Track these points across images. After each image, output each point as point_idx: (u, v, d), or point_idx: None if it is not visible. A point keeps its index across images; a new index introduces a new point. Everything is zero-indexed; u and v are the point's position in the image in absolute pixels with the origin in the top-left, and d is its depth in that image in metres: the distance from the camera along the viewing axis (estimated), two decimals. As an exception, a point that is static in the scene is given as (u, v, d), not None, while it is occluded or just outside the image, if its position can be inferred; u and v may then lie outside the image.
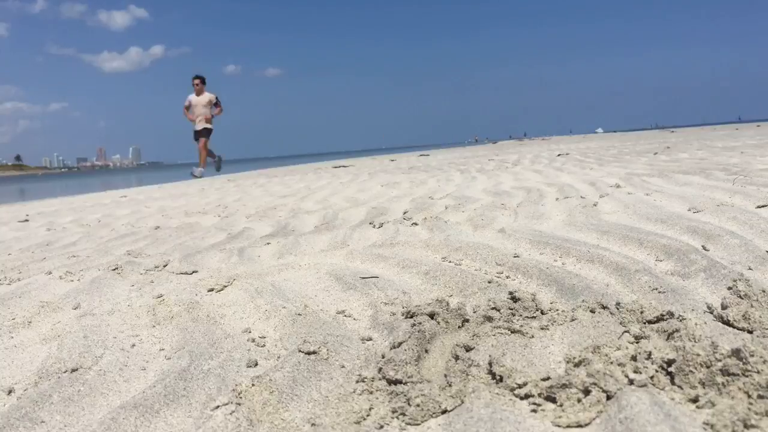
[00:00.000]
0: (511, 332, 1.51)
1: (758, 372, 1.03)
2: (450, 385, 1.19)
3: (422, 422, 1.10)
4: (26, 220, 6.53)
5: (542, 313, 1.64)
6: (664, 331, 1.37)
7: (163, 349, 1.61)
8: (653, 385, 1.11)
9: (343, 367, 1.37)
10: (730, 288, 1.65)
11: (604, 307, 1.60)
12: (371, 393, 1.20)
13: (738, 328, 1.40)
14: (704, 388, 1.08)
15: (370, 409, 1.14)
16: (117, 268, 2.72)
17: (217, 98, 14.89)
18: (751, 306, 1.48)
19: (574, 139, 27.25)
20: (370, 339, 1.56)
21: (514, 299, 1.72)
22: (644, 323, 1.47)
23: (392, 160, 16.53)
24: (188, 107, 14.84)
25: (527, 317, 1.61)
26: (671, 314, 1.47)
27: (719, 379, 1.07)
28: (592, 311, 1.59)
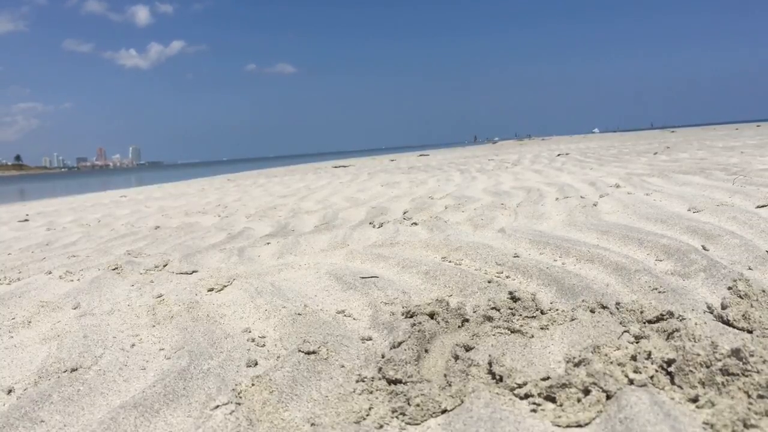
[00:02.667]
0: (511, 332, 1.51)
1: (758, 372, 1.03)
2: (450, 385, 1.19)
3: (422, 422, 1.10)
4: (26, 220, 6.54)
5: (542, 312, 1.64)
6: (664, 331, 1.37)
7: (162, 349, 1.61)
8: (653, 384, 1.11)
9: (343, 366, 1.37)
10: (730, 288, 1.64)
11: (604, 307, 1.60)
12: (371, 393, 1.20)
13: (738, 328, 1.40)
14: (704, 387, 1.08)
15: (369, 408, 1.14)
16: (117, 268, 2.72)
17: None
18: (751, 306, 1.48)
19: (574, 139, 27.26)
20: (369, 339, 1.56)
21: (514, 299, 1.72)
22: (644, 323, 1.47)
23: (392, 160, 16.54)
24: None
25: (527, 317, 1.61)
26: (671, 314, 1.47)
27: (719, 378, 1.07)
28: (592, 311, 1.59)
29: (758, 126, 23.60)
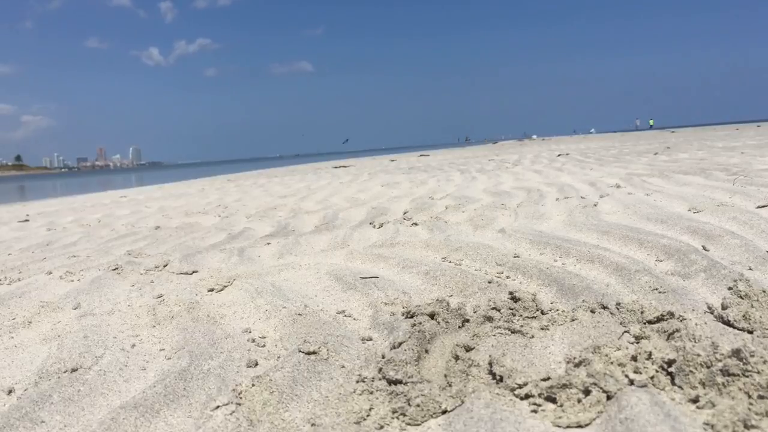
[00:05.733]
0: (512, 332, 1.51)
1: (758, 372, 1.03)
2: (450, 386, 1.19)
3: (422, 422, 1.10)
4: (26, 220, 6.54)
5: (542, 313, 1.63)
6: (665, 332, 1.37)
7: (163, 349, 1.61)
8: (653, 385, 1.11)
9: (343, 367, 1.37)
10: (730, 288, 1.64)
11: (604, 307, 1.60)
12: (371, 393, 1.20)
13: (738, 329, 1.40)
14: (704, 388, 1.08)
15: (370, 409, 1.14)
16: (117, 268, 2.72)
17: None
18: (752, 306, 1.48)
19: (574, 140, 27.26)
20: (370, 339, 1.56)
21: (515, 299, 1.72)
22: (644, 323, 1.46)
23: (392, 161, 16.54)
24: None
25: (527, 317, 1.61)
26: (671, 314, 1.47)
27: (719, 379, 1.07)
28: (593, 311, 1.59)
29: (758, 126, 23.60)
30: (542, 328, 1.53)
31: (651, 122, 51.79)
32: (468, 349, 1.42)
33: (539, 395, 1.12)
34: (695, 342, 1.28)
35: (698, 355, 1.12)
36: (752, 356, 1.05)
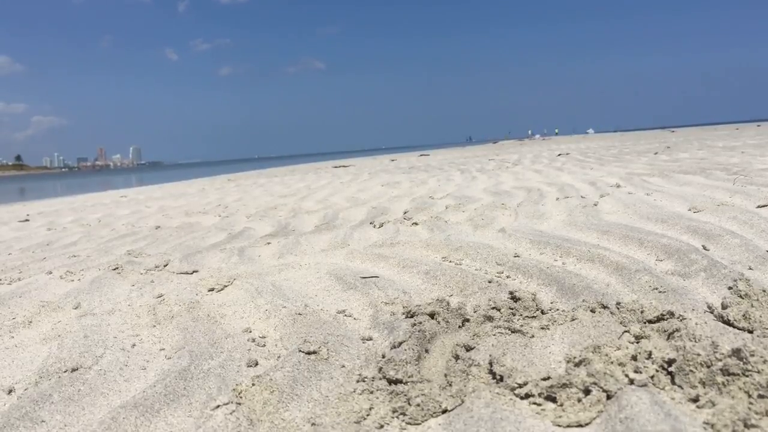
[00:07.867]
0: (512, 332, 1.51)
1: (758, 372, 1.03)
2: (450, 385, 1.19)
3: (422, 422, 1.10)
4: (27, 220, 6.54)
5: (542, 312, 1.64)
6: (665, 331, 1.37)
7: (163, 349, 1.61)
8: (654, 384, 1.11)
9: (343, 366, 1.37)
10: (730, 288, 1.64)
11: (604, 307, 1.60)
12: (371, 393, 1.20)
13: (738, 328, 1.40)
14: (705, 387, 1.08)
15: (370, 408, 1.14)
16: (117, 268, 2.72)
17: None
18: (752, 306, 1.48)
19: (574, 139, 27.26)
20: (370, 339, 1.56)
21: (515, 299, 1.72)
22: (644, 323, 1.47)
23: (392, 160, 16.54)
24: None
25: (527, 317, 1.61)
26: (672, 314, 1.47)
27: (720, 378, 1.07)
28: (593, 311, 1.59)
29: (758, 126, 23.59)
30: (542, 328, 1.53)
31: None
32: (468, 348, 1.42)
33: (539, 395, 1.12)
34: (695, 341, 1.28)
35: (698, 354, 1.12)
36: (752, 356, 1.05)
